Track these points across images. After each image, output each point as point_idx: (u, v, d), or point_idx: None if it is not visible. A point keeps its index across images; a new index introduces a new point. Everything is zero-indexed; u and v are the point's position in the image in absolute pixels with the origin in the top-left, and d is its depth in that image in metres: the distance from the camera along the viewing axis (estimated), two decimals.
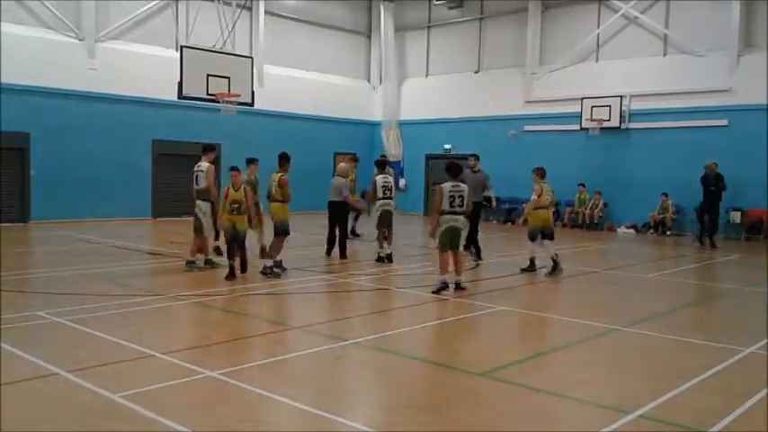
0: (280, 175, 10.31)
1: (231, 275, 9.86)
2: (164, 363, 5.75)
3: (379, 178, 12.08)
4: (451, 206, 9.09)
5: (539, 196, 11.09)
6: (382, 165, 12.67)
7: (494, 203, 13.58)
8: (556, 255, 11.03)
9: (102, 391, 4.92)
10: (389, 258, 11.97)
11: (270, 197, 10.49)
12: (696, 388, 5.39)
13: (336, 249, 12.58)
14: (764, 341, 6.87)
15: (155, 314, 7.88)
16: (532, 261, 11.29)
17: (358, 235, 15.66)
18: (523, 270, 11.25)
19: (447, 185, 9.18)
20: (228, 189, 9.99)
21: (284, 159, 10.48)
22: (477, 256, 12.38)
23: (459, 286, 9.27)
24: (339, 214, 12.68)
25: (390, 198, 12.03)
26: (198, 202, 10.83)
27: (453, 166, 9.36)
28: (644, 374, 5.86)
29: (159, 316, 7.84)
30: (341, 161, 12.53)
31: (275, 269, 10.31)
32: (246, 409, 4.78)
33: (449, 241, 9.11)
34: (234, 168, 10.13)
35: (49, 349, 6.04)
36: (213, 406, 4.80)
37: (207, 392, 5.12)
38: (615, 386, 5.52)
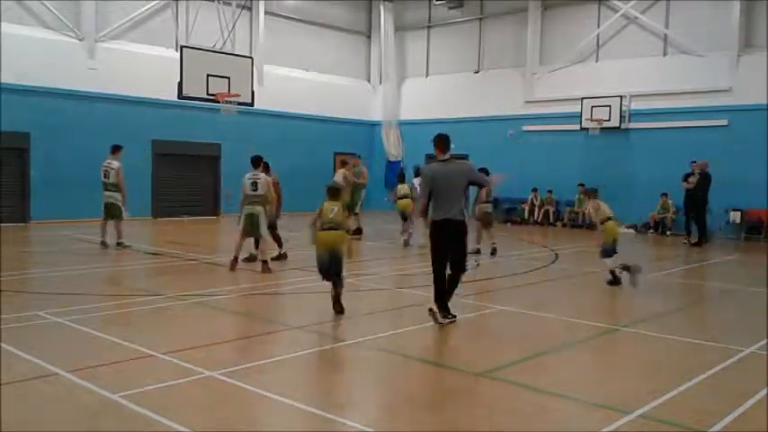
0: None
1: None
2: (163, 363, 5.74)
3: None
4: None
5: (596, 210, 10.36)
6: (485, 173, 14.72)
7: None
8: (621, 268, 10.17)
9: (102, 391, 4.91)
10: (494, 252, 13.31)
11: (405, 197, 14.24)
12: (696, 388, 5.39)
13: None
14: (764, 341, 6.86)
15: (155, 314, 7.87)
16: (614, 272, 10.18)
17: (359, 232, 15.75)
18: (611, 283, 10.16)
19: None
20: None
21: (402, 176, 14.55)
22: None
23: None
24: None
25: (488, 202, 13.77)
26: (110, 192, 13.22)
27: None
28: (644, 374, 5.86)
29: (159, 316, 7.83)
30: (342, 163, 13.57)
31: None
32: (246, 409, 4.78)
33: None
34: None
35: (49, 349, 6.03)
36: (213, 406, 4.80)
37: (207, 392, 5.11)
38: (615, 386, 5.51)
